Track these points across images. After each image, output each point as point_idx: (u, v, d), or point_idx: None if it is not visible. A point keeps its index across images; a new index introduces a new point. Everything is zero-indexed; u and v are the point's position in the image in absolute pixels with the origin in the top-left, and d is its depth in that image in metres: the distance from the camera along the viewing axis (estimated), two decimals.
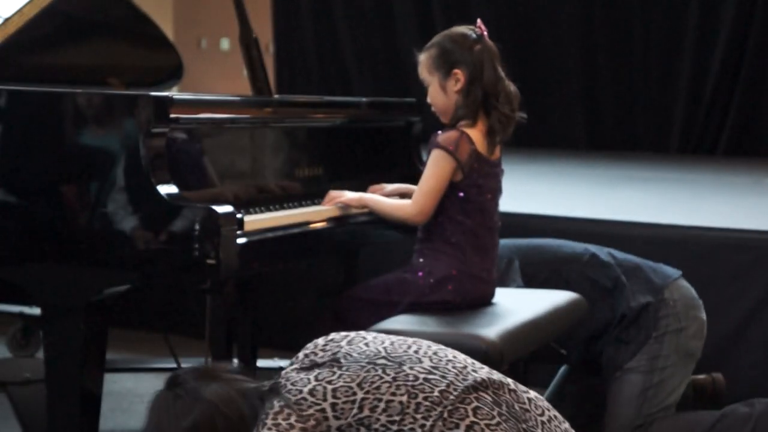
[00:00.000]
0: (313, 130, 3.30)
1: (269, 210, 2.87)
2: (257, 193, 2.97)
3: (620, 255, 3.46)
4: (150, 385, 4.27)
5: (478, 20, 2.97)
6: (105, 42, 3.60)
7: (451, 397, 2.07)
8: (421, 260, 2.92)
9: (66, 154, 2.66)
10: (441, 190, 2.85)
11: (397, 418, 2.06)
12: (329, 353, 2.18)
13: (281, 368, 3.70)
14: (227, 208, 2.52)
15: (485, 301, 2.97)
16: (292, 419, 2.08)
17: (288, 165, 3.15)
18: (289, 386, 2.13)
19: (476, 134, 2.86)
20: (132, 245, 2.54)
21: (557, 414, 2.15)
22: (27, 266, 2.70)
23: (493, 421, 2.04)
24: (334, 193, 3.04)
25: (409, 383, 2.09)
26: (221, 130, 2.93)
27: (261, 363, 3.56)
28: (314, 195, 3.09)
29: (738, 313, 4.04)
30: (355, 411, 2.07)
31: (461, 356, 2.19)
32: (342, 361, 2.15)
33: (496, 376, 2.15)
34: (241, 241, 2.56)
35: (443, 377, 2.10)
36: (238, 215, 2.58)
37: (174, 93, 3.44)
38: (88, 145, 2.65)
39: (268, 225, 2.75)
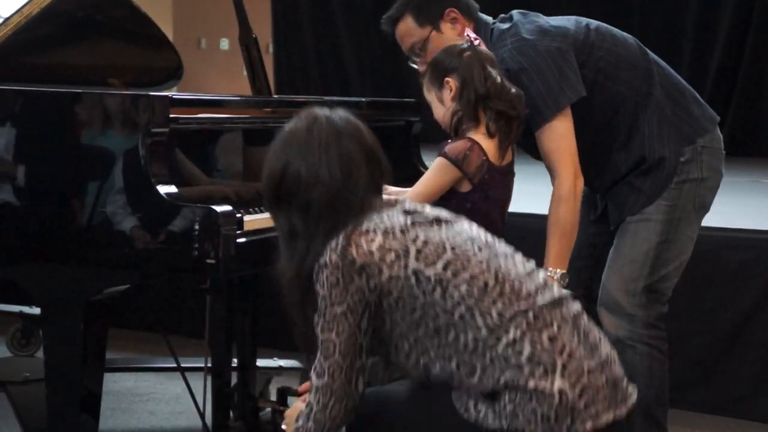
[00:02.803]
0: None
1: None
2: (257, 193, 2.97)
3: (671, 79, 3.18)
4: (150, 384, 4.29)
5: (468, 31, 2.98)
6: (105, 42, 3.60)
7: (538, 303, 2.12)
8: None
9: (65, 154, 2.66)
10: (434, 195, 2.83)
11: (476, 293, 2.10)
12: (433, 216, 2.22)
13: (281, 368, 3.74)
14: (227, 208, 2.53)
15: None
16: (374, 245, 2.12)
17: None
18: (385, 218, 2.16)
19: (488, 143, 2.84)
20: (132, 245, 2.55)
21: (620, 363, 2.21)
22: (27, 266, 2.71)
23: (573, 344, 2.10)
24: None
25: (501, 270, 2.14)
26: (221, 130, 2.93)
27: (261, 363, 3.56)
28: None
29: (737, 312, 4.05)
30: (438, 266, 2.11)
31: (551, 281, 2.26)
32: (443, 224, 2.20)
33: (577, 303, 2.22)
34: (240, 240, 2.57)
35: (533, 283, 2.16)
36: (238, 215, 2.59)
37: (173, 93, 3.44)
38: (87, 145, 2.65)
39: (268, 225, 2.74)
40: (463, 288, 2.10)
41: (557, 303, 2.16)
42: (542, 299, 2.14)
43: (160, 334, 3.54)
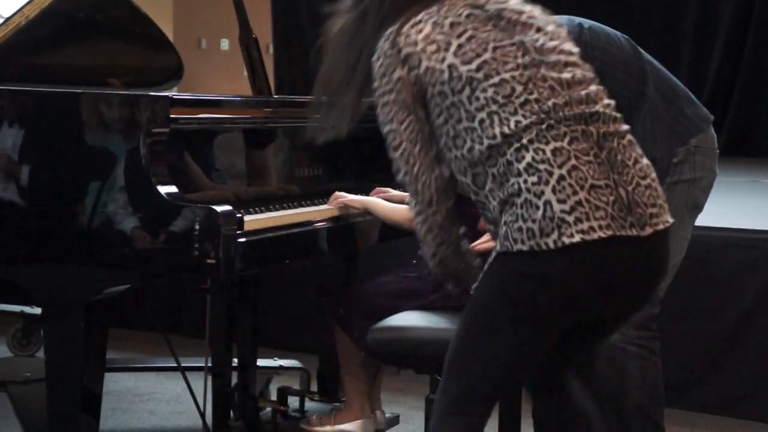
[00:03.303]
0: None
1: (269, 210, 2.87)
2: (257, 193, 2.97)
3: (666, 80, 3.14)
4: (150, 384, 4.29)
5: None
6: (105, 42, 3.59)
7: (558, 115, 2.08)
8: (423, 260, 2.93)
9: (65, 155, 2.66)
10: None
11: (501, 100, 2.09)
12: (497, 11, 2.19)
13: (281, 367, 3.74)
14: (227, 208, 2.53)
15: None
16: (420, 36, 2.14)
17: (288, 165, 3.15)
18: (444, 10, 2.17)
19: None
20: (132, 245, 2.55)
21: (657, 183, 2.13)
22: (27, 266, 2.71)
23: (582, 159, 2.05)
24: (338, 194, 3.04)
25: (536, 78, 2.11)
26: (221, 131, 2.93)
27: (261, 363, 3.56)
28: (314, 195, 3.09)
29: (737, 312, 4.05)
30: (473, 65, 2.11)
31: (604, 93, 2.19)
32: (502, 22, 2.17)
33: (622, 126, 2.15)
34: (241, 240, 2.57)
35: (568, 95, 2.11)
36: (238, 215, 2.59)
37: (174, 93, 3.45)
38: (88, 145, 2.65)
39: (267, 225, 2.75)
40: (490, 92, 2.09)
41: (586, 118, 2.10)
42: (566, 112, 2.09)
43: (160, 334, 3.54)
